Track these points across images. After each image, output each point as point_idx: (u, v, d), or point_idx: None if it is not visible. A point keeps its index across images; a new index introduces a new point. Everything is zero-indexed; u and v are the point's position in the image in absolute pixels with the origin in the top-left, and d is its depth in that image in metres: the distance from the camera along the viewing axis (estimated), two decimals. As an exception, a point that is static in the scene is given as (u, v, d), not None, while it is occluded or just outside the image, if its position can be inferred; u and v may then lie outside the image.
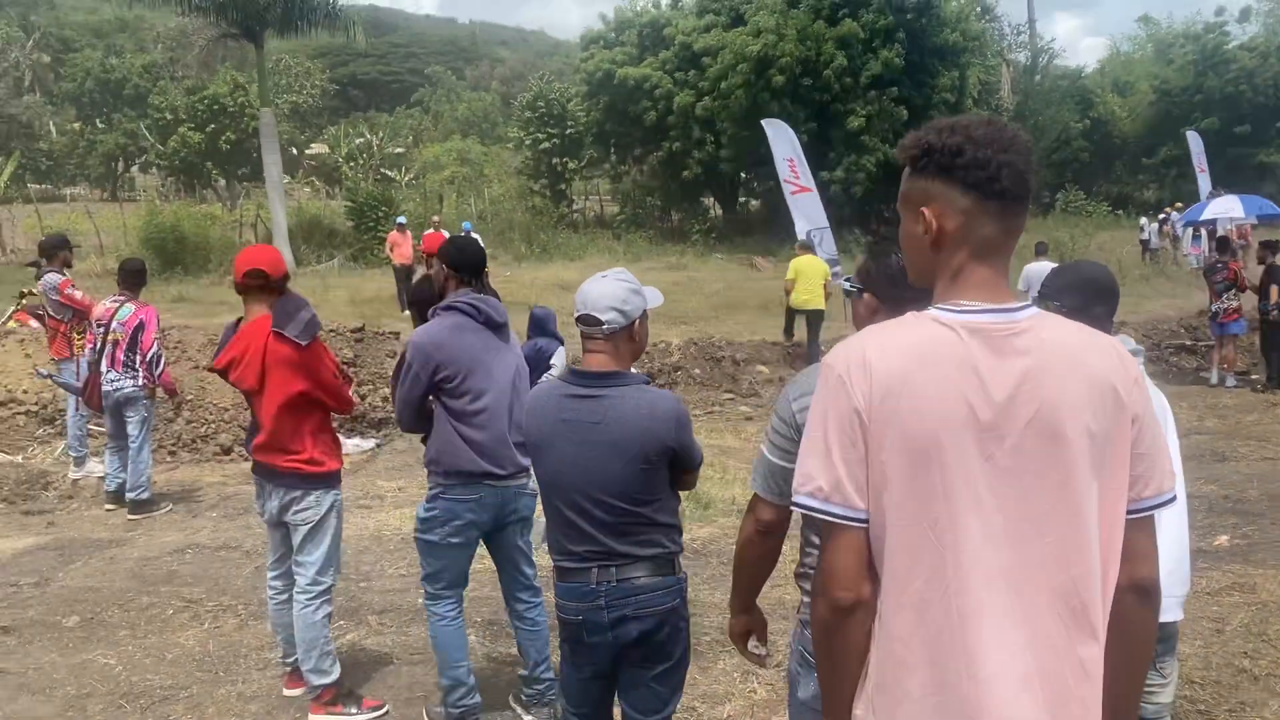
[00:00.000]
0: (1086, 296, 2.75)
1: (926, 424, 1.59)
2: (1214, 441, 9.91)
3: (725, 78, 30.08)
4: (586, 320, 2.83)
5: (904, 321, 1.70)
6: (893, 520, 1.61)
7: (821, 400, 1.66)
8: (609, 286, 2.84)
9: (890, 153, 29.29)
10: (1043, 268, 12.67)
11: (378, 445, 9.84)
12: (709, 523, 6.95)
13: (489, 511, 4.00)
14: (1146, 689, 2.81)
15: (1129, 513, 1.68)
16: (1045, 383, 1.62)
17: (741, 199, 37.84)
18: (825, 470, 1.63)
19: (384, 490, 8.21)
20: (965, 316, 1.65)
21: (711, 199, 37.11)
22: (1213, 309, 13.07)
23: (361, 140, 53.50)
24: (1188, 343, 14.92)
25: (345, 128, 57.44)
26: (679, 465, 2.88)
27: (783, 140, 17.41)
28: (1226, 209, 15.50)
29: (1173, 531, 2.75)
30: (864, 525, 1.64)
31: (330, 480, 4.26)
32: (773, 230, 29.46)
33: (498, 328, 4.06)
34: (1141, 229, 29.20)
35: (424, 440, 4.13)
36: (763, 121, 18.71)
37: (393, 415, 10.72)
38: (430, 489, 4.03)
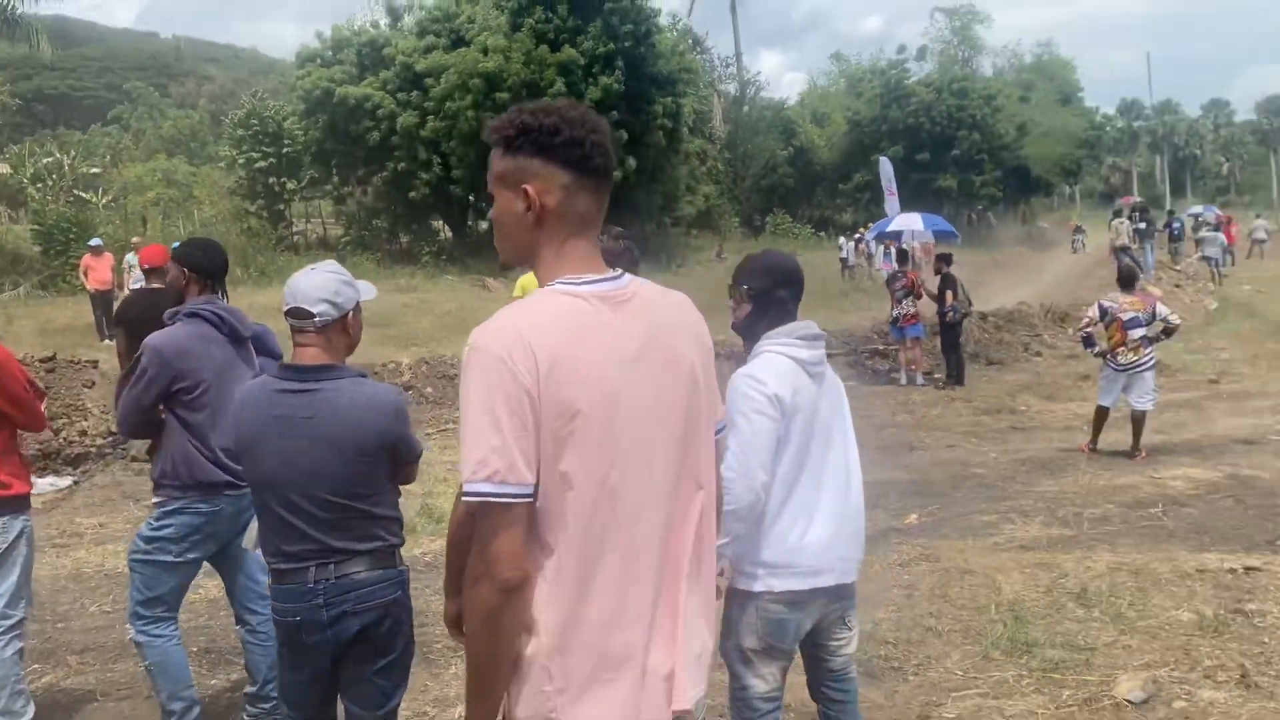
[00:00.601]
0: (772, 281, 2.96)
1: (589, 389, 1.70)
2: (904, 434, 10.96)
3: (450, 98, 29.99)
4: (296, 314, 2.78)
5: (539, 299, 1.78)
6: (569, 484, 1.71)
7: (483, 385, 1.67)
8: (319, 278, 2.81)
9: (615, 174, 30.24)
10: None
11: (75, 482, 9.05)
12: (442, 535, 6.89)
13: (226, 523, 3.85)
14: (837, 640, 3.09)
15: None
16: (665, 336, 1.83)
17: (471, 220, 37.74)
18: (499, 454, 1.65)
19: (83, 528, 7.57)
20: (588, 287, 1.78)
21: (441, 220, 36.76)
22: (893, 314, 14.49)
23: (50, 160, 48.67)
24: (880, 347, 16.39)
25: (31, 146, 52.06)
26: (398, 458, 2.88)
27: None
28: (909, 223, 17.23)
29: (856, 504, 3.05)
30: (530, 500, 1.69)
31: (19, 505, 3.90)
32: (503, 251, 29.52)
33: (240, 341, 3.92)
34: (840, 248, 31.86)
35: (148, 453, 3.91)
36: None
37: (90, 449, 9.94)
38: (163, 505, 3.81)
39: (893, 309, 14.51)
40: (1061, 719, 4.17)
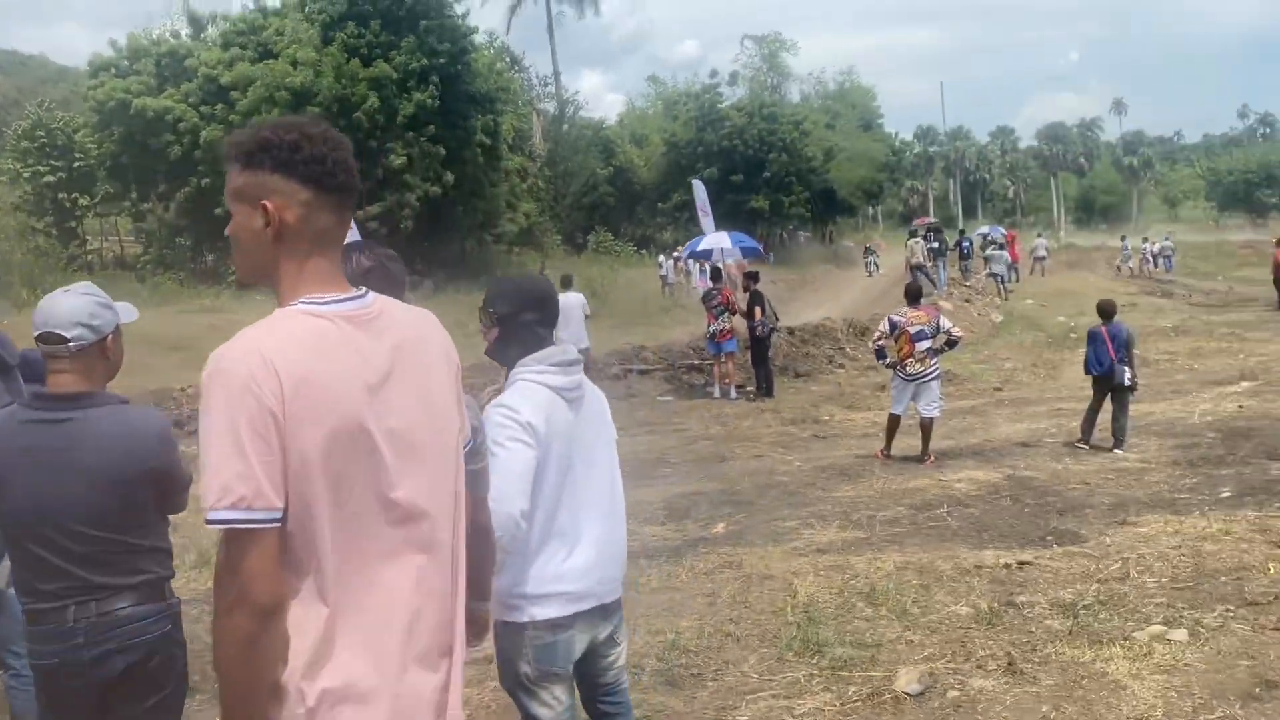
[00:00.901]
0: (517, 305, 2.94)
1: (337, 410, 1.70)
2: (717, 446, 11.27)
3: (257, 112, 28.97)
4: (49, 339, 2.64)
5: (281, 319, 1.76)
6: (321, 504, 1.70)
7: (226, 408, 1.64)
8: (74, 300, 2.68)
9: (432, 190, 30.01)
10: (568, 299, 13.64)
11: None
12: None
13: None
14: (607, 658, 3.10)
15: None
16: (412, 355, 1.86)
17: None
18: (245, 479, 1.63)
19: None
20: (332, 307, 1.78)
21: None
22: (710, 330, 14.91)
23: None
24: (696, 362, 16.80)
25: None
26: (164, 487, 2.77)
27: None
28: (718, 242, 17.79)
29: (620, 526, 3.09)
30: (279, 524, 1.68)
31: None
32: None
33: (6, 370, 3.68)
34: (660, 266, 32.48)
35: None
36: None
37: None
38: None
39: (709, 325, 14.92)
40: (847, 714, 4.39)
